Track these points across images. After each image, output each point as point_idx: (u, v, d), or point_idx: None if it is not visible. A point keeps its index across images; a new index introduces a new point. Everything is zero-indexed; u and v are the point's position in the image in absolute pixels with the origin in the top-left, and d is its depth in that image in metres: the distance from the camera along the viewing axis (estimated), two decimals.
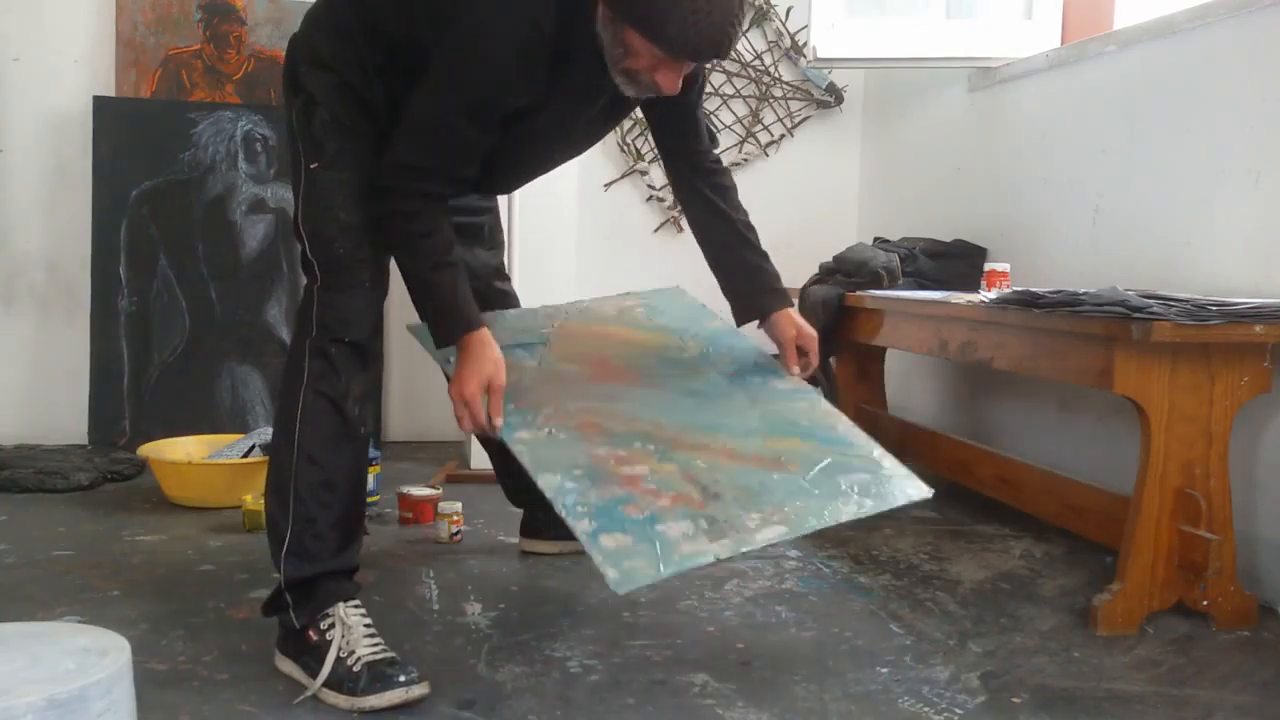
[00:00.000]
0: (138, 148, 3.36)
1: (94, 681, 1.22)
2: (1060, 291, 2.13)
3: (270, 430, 2.99)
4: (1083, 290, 2.11)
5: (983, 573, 2.35)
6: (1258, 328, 1.93)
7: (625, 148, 3.81)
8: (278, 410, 1.83)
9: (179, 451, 2.92)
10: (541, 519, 2.40)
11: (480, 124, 1.70)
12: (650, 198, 3.86)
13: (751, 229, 2.06)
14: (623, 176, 3.85)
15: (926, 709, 1.65)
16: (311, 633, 1.69)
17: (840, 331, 3.12)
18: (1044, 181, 2.98)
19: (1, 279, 3.45)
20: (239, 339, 3.42)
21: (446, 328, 1.75)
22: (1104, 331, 1.96)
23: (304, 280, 1.81)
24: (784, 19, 3.84)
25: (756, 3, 3.83)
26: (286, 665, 1.72)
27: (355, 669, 1.64)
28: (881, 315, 2.95)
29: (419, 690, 1.63)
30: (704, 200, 2.05)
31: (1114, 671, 1.82)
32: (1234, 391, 2.00)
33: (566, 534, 2.40)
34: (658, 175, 3.86)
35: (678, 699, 1.66)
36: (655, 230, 3.89)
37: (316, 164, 1.76)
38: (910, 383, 3.61)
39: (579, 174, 3.13)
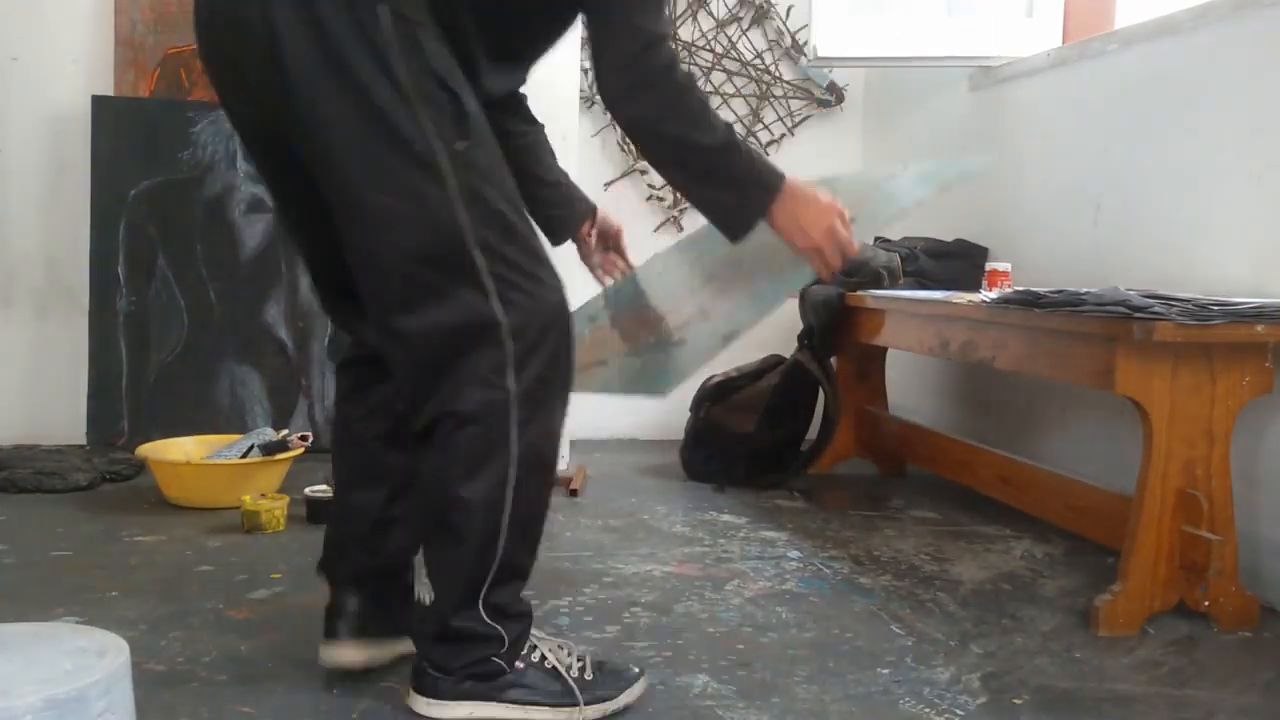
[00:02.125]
0: (136, 147, 3.34)
1: (92, 682, 1.22)
2: (1062, 291, 2.12)
3: (269, 430, 3.01)
4: (1084, 290, 2.11)
5: (984, 573, 2.34)
6: (1259, 328, 1.93)
7: (625, 147, 3.80)
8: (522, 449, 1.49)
9: (177, 452, 2.91)
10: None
11: None
12: (650, 197, 3.85)
13: None
14: (623, 176, 3.84)
15: (928, 710, 1.64)
16: (519, 663, 1.56)
17: (841, 331, 3.12)
18: (1045, 181, 2.98)
19: None
20: (238, 339, 3.41)
21: (766, 178, 1.57)
22: (1105, 331, 1.96)
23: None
24: (784, 18, 3.84)
25: (757, 2, 3.82)
26: (497, 711, 1.53)
27: (588, 676, 1.58)
28: (882, 315, 2.95)
29: (643, 678, 1.63)
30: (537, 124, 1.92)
31: (1115, 672, 1.81)
32: (1236, 392, 2.00)
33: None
34: (657, 175, 3.84)
35: (678, 700, 1.65)
36: (655, 230, 3.88)
37: (464, 142, 1.42)
38: (911, 383, 3.60)
39: (579, 173, 3.12)
